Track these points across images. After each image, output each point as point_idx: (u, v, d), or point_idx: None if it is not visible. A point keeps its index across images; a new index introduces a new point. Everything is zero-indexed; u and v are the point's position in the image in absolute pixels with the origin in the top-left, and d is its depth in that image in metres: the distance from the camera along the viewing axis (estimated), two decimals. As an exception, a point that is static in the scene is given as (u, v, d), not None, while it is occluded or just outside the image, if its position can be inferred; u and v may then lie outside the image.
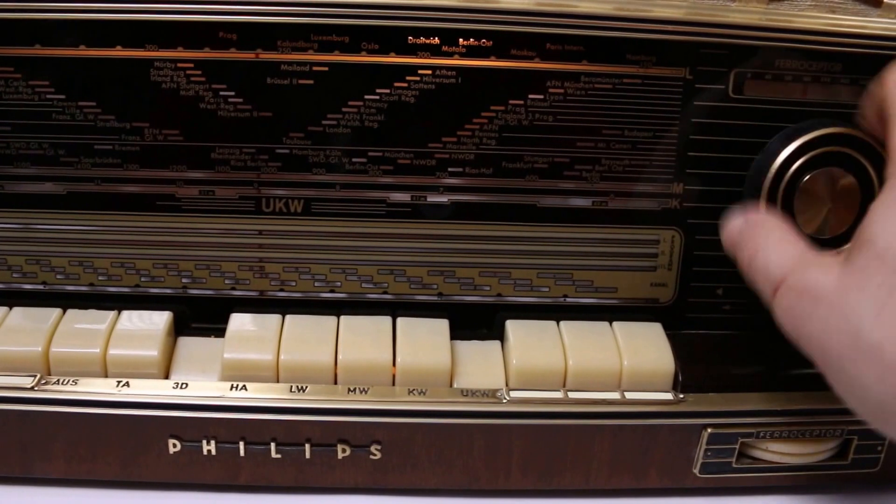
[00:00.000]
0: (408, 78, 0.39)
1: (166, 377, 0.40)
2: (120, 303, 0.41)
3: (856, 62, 0.39)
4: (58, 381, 0.38)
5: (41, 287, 0.41)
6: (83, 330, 0.40)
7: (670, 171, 0.41)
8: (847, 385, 0.32)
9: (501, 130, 0.40)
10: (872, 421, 0.32)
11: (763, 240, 0.37)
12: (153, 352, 0.39)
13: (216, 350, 0.40)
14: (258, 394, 0.39)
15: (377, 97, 0.39)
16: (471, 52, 0.38)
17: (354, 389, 0.39)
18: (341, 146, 0.40)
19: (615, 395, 0.40)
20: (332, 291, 0.42)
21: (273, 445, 0.39)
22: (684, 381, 0.40)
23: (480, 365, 0.41)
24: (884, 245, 0.31)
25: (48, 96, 0.38)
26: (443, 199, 0.41)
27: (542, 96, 0.39)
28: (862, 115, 0.38)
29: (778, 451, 0.41)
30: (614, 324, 0.42)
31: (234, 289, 0.42)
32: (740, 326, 0.43)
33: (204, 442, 0.39)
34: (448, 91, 0.39)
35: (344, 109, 0.39)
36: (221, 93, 0.39)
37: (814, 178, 0.39)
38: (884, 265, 0.31)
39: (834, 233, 0.39)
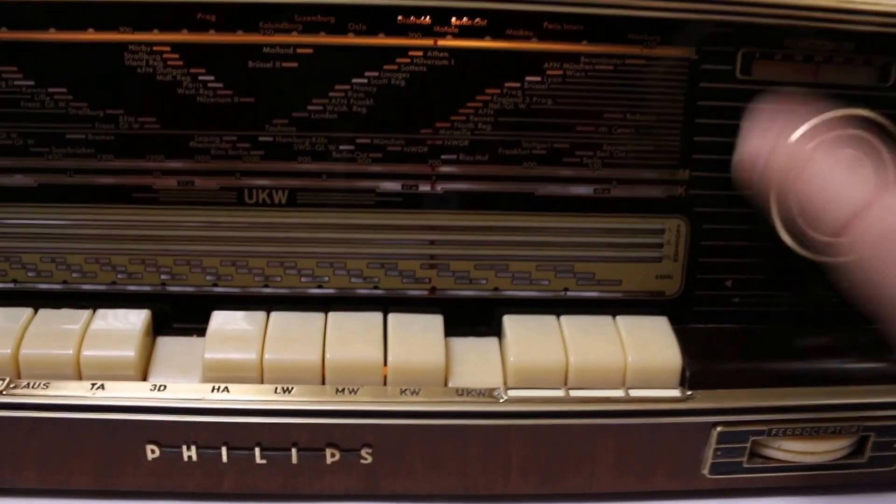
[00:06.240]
0: (398, 60, 0.38)
1: (144, 379, 0.39)
2: (95, 301, 0.41)
3: (869, 41, 0.39)
4: (28, 384, 0.38)
5: (11, 285, 0.41)
6: (56, 330, 0.39)
7: (675, 157, 0.40)
8: None
9: (497, 115, 0.39)
10: None
11: (822, 157, 0.33)
12: (129, 352, 0.38)
13: (197, 350, 0.39)
14: (241, 395, 0.38)
15: (365, 80, 0.38)
16: (464, 32, 0.38)
17: (343, 390, 0.38)
18: (328, 133, 0.39)
19: (619, 393, 0.39)
20: (319, 287, 0.41)
21: (258, 450, 0.39)
22: (692, 377, 0.40)
23: (477, 363, 0.40)
24: None
25: (16, 83, 0.38)
26: (436, 188, 0.40)
27: (539, 78, 0.39)
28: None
29: (791, 450, 0.41)
30: (618, 318, 0.42)
31: (215, 285, 0.41)
32: (750, 320, 0.42)
33: (184, 447, 0.38)
34: (440, 73, 0.38)
35: (330, 94, 0.38)
36: (200, 77, 0.38)
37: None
38: None
39: None
